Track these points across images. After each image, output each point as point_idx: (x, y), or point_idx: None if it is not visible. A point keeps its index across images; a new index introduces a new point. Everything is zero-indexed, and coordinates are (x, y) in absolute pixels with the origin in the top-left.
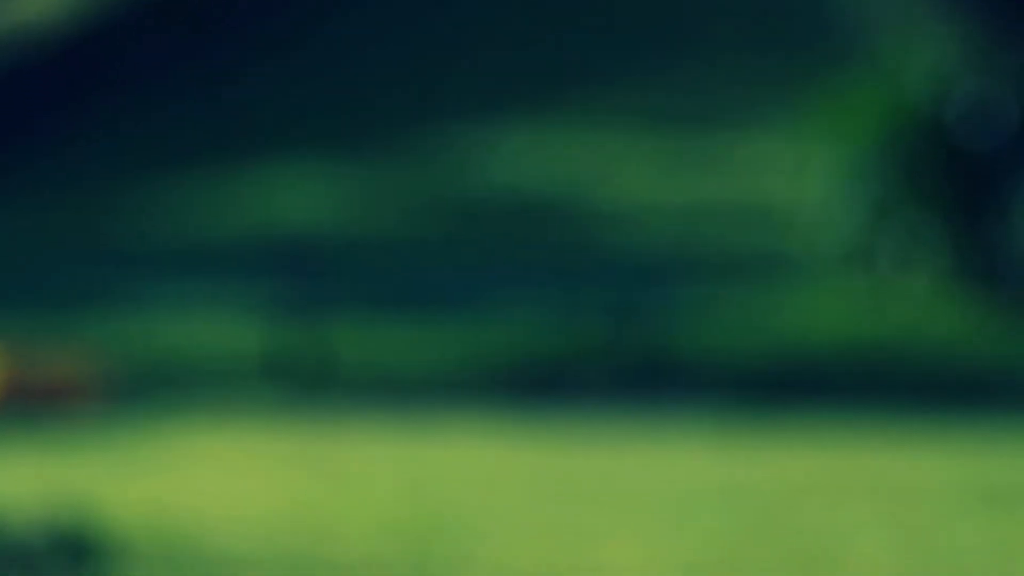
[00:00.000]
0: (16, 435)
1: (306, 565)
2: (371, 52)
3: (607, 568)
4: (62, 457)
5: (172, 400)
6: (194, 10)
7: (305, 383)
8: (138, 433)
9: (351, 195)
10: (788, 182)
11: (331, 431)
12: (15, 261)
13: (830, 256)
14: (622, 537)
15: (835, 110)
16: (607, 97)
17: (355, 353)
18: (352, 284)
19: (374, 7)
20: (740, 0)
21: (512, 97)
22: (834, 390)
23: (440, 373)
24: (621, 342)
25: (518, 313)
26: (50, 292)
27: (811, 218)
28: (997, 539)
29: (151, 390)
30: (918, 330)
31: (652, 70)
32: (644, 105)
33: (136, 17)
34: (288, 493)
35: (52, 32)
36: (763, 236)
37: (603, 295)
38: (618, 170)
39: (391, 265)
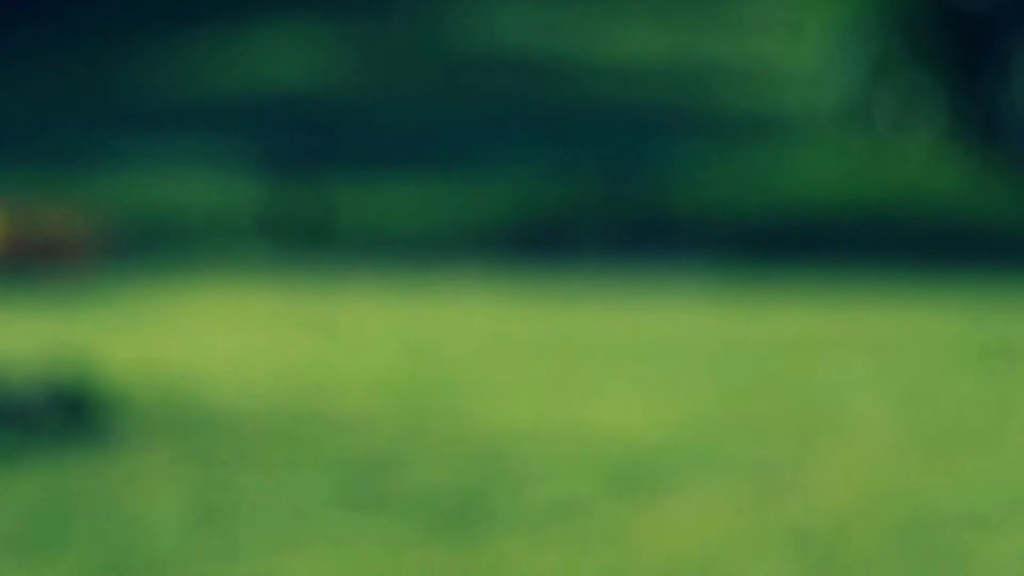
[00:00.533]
0: (14, 292)
1: (303, 420)
2: None
3: (604, 423)
4: (59, 313)
5: (169, 257)
6: None
7: (302, 241)
8: (135, 290)
9: (347, 53)
10: (786, 40)
11: (328, 289)
12: (12, 119)
13: (828, 115)
14: (619, 393)
15: None
16: None
17: (352, 211)
18: (349, 142)
19: None
20: None
21: None
22: (832, 248)
23: (437, 231)
24: (618, 199)
25: (515, 171)
26: (48, 150)
27: (809, 77)
28: (996, 394)
29: (148, 247)
30: (916, 188)
31: None
32: None
33: None
34: (285, 350)
35: None
36: (761, 94)
37: (600, 152)
38: (615, 28)
39: (388, 123)
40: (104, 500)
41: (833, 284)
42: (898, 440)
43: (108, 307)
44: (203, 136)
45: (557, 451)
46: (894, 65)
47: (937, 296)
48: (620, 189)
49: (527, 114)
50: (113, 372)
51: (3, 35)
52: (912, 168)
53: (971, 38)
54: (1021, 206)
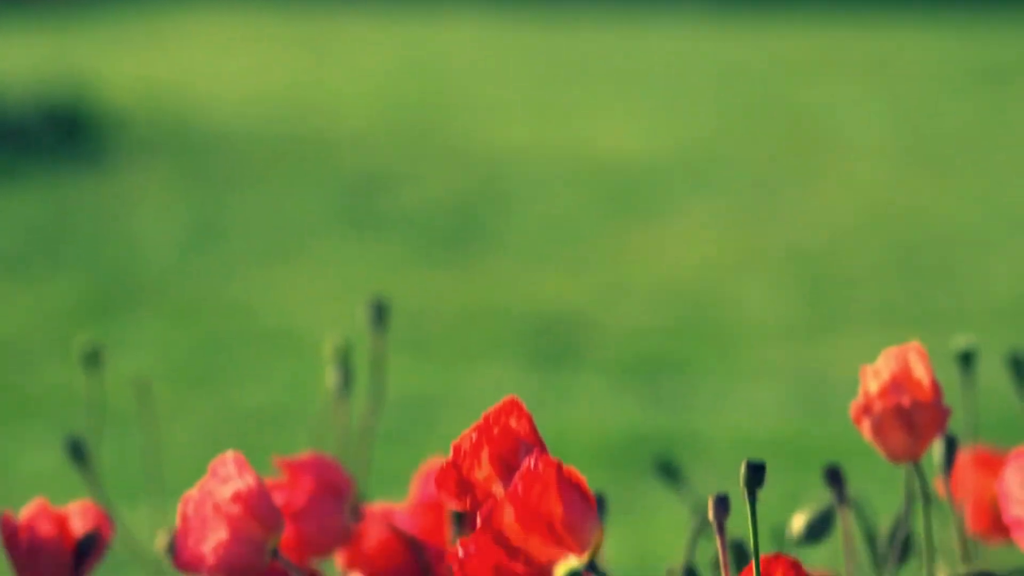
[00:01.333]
0: (8, 11)
1: (298, 139)
2: None
3: (601, 144)
4: (54, 33)
5: None
6: None
7: None
8: (130, 10)
9: None
10: None
11: (324, 8)
12: None
13: None
14: (616, 114)
15: None
16: None
17: None
18: None
19: None
20: None
21: None
22: None
23: None
24: None
25: None
26: None
27: None
28: (994, 114)
29: None
30: None
31: None
32: None
33: None
34: (281, 70)
35: None
36: None
37: None
38: None
39: None
40: (100, 219)
41: (831, 5)
42: (896, 160)
43: (103, 27)
44: None
45: (553, 171)
46: None
47: (935, 16)
48: None
49: None
50: (108, 92)
51: None
52: None
53: None
54: None
